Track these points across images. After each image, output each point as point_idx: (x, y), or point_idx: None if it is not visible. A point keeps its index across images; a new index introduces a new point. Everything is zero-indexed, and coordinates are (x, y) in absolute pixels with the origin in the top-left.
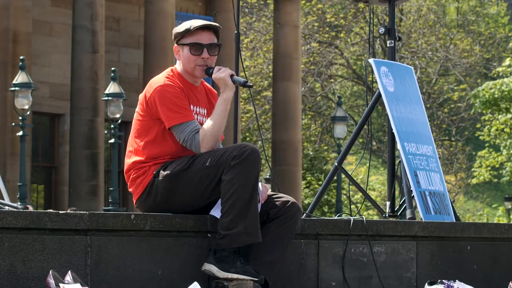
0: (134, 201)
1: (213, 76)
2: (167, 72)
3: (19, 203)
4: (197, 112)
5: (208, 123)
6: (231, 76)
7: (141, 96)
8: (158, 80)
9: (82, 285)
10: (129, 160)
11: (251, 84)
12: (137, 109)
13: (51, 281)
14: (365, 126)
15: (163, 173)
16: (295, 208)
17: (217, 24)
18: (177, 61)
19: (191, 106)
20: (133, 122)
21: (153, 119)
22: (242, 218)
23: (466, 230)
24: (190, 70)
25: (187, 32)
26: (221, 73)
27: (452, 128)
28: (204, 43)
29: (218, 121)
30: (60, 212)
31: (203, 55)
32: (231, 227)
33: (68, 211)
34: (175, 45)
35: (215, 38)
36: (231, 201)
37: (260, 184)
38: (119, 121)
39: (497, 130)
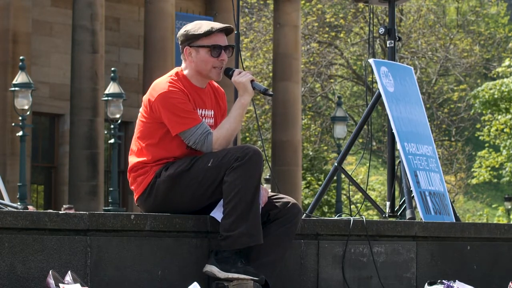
0: (135, 200)
1: (233, 79)
2: (170, 75)
3: (19, 203)
4: (204, 115)
5: (223, 126)
6: (252, 81)
7: (145, 98)
8: (162, 84)
9: (82, 285)
10: (132, 159)
11: (271, 93)
12: (141, 109)
13: (51, 281)
14: (365, 126)
15: (165, 173)
16: (295, 209)
17: (232, 27)
18: (184, 64)
19: (198, 110)
20: (137, 121)
21: (157, 122)
22: (244, 220)
23: (466, 230)
24: (206, 72)
25: (208, 34)
26: (242, 78)
27: (452, 128)
28: (222, 45)
29: (233, 125)
30: (60, 212)
31: (222, 57)
32: (233, 229)
33: (63, 209)
34: (187, 47)
35: (227, 40)
36: (233, 202)
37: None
38: (119, 121)
39: (497, 130)
